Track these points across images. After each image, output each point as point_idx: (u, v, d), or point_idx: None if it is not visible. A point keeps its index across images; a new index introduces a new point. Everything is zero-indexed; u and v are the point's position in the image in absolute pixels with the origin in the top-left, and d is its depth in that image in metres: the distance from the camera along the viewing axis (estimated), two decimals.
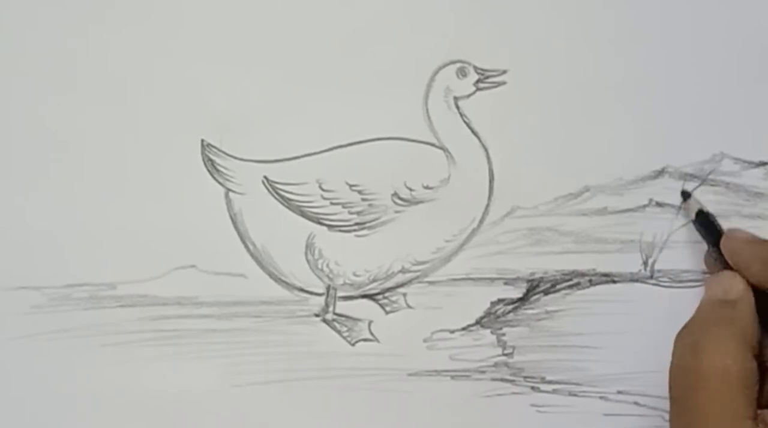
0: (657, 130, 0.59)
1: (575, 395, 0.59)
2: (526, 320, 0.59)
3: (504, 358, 0.59)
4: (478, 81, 0.58)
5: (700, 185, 0.58)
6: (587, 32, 0.58)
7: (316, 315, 0.59)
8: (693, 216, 0.57)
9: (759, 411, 0.50)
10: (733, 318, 0.52)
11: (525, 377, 0.59)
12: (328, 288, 0.59)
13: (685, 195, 0.58)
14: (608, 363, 0.59)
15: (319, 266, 0.58)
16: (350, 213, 0.58)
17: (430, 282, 0.59)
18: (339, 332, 0.59)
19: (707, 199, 0.58)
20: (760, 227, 0.59)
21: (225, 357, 0.58)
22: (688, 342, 0.52)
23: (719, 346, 0.51)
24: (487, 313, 0.59)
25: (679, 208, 0.58)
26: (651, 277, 0.59)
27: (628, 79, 0.59)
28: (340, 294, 0.59)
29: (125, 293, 0.58)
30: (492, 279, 0.59)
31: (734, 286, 0.53)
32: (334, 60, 0.58)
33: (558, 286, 0.59)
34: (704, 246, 0.57)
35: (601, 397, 0.59)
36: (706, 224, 0.57)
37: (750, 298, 0.53)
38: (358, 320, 0.59)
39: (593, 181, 0.59)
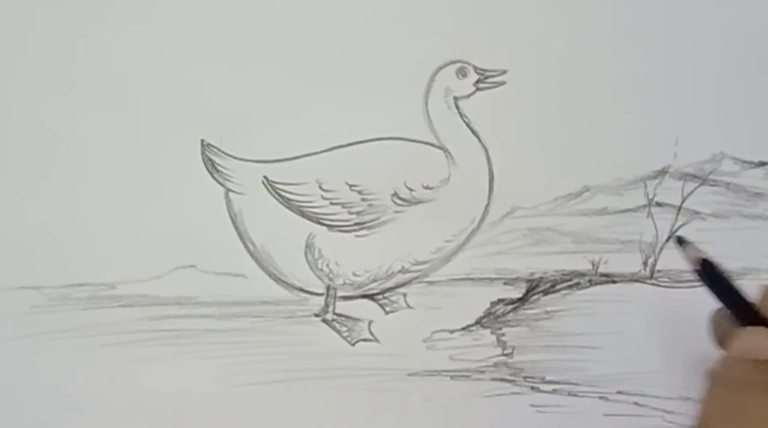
0: (657, 130, 0.59)
1: (575, 395, 0.59)
2: (525, 320, 0.59)
3: (504, 358, 0.59)
4: (478, 81, 0.58)
5: (700, 185, 0.58)
6: (587, 32, 0.58)
7: (316, 315, 0.59)
8: (697, 266, 0.49)
9: None
10: None
11: (525, 377, 0.59)
12: (328, 288, 0.59)
13: (681, 241, 0.50)
14: (608, 363, 0.59)
15: (319, 266, 0.58)
16: (350, 213, 0.58)
17: (430, 282, 0.59)
18: (339, 332, 0.59)
19: (707, 199, 0.58)
20: (761, 227, 0.59)
21: (225, 357, 0.58)
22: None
23: None
24: (487, 313, 0.59)
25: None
26: (651, 277, 0.59)
27: (628, 79, 0.59)
28: (340, 294, 0.59)
29: (125, 293, 0.58)
30: (492, 279, 0.59)
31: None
32: (334, 60, 0.58)
33: (558, 286, 0.59)
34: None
35: (600, 397, 0.59)
36: (712, 275, 0.49)
37: None
38: (358, 320, 0.59)
39: (593, 181, 0.59)
